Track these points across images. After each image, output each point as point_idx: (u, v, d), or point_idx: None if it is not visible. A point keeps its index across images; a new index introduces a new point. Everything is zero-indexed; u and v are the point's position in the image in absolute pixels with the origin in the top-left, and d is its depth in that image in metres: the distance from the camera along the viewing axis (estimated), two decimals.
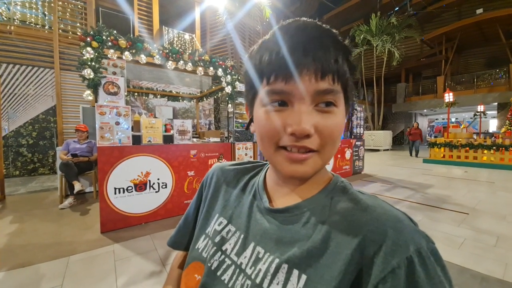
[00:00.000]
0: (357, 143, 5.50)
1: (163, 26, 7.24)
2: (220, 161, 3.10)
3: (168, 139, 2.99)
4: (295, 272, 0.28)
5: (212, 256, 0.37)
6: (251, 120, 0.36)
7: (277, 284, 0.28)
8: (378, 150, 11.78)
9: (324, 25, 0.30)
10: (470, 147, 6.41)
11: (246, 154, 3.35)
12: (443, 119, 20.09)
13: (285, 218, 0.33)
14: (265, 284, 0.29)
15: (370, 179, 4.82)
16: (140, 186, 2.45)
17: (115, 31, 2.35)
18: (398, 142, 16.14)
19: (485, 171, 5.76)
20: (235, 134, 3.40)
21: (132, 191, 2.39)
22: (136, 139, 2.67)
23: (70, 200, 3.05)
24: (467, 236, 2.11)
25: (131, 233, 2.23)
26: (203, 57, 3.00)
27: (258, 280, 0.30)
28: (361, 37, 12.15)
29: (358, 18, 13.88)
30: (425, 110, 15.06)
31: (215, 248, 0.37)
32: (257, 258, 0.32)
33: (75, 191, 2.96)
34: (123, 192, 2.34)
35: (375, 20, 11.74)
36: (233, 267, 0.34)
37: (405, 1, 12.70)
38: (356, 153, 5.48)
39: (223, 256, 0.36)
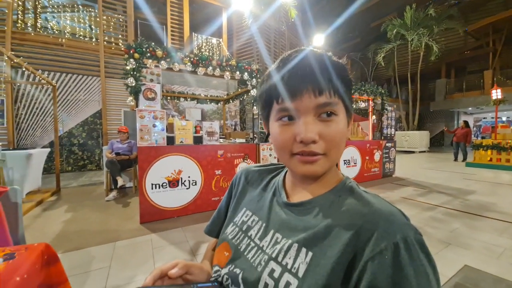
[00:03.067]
0: (387, 144, 5.24)
1: (193, 33, 7.66)
2: (246, 161, 3.23)
3: (198, 140, 3.20)
4: (304, 250, 0.36)
5: (239, 239, 0.46)
6: (269, 134, 0.45)
7: (289, 258, 0.36)
8: (413, 152, 10.99)
9: (318, 51, 0.38)
10: None
11: (270, 155, 3.43)
12: (492, 118, 17.93)
13: (299, 211, 0.41)
14: (280, 258, 0.37)
15: (401, 183, 4.57)
16: (173, 183, 2.68)
17: (153, 43, 2.61)
18: (437, 144, 14.85)
19: None
20: (259, 135, 3.50)
21: (166, 187, 2.63)
22: (170, 140, 2.91)
23: (114, 193, 3.44)
24: (508, 246, 1.94)
25: (166, 225, 2.46)
26: (230, 62, 3.16)
27: (274, 255, 0.38)
28: (394, 31, 11.39)
29: (391, 11, 13.05)
30: (470, 108, 13.62)
31: (242, 233, 0.47)
32: (275, 242, 0.40)
33: (118, 186, 3.34)
34: (159, 187, 2.59)
35: (409, 13, 10.92)
36: (256, 248, 0.43)
37: None
38: (387, 155, 5.23)
39: (248, 240, 0.45)
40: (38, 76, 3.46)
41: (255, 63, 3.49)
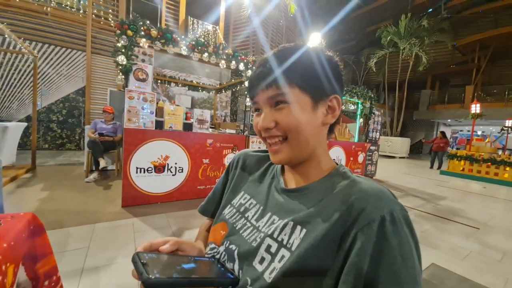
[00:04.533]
0: (371, 147, 5.43)
1: (189, 16, 7.40)
2: (234, 152, 3.22)
3: (187, 127, 3.15)
4: (298, 227, 0.38)
5: (236, 219, 0.48)
6: None
7: (285, 235, 0.39)
8: (393, 157, 11.47)
9: (288, 46, 0.42)
10: (492, 163, 6.12)
11: (259, 148, 3.45)
12: (468, 131, 19.04)
13: (296, 196, 0.43)
14: (275, 235, 0.40)
15: (381, 185, 4.77)
16: (159, 168, 2.63)
17: (148, 21, 2.50)
18: (416, 151, 15.57)
19: (505, 188, 5.51)
20: (250, 127, 3.50)
21: (151, 172, 2.58)
22: (159, 124, 2.84)
23: (95, 175, 3.32)
24: (473, 249, 2.11)
25: (148, 210, 2.42)
26: (226, 51, 3.10)
27: (270, 232, 0.40)
28: (388, 38, 11.66)
29: (387, 18, 13.29)
30: (449, 120, 14.36)
31: (239, 214, 0.49)
32: (272, 222, 0.43)
33: (100, 167, 3.22)
34: (144, 172, 2.53)
35: (404, 22, 11.20)
36: (251, 227, 0.45)
37: (439, 3, 12.00)
38: (370, 158, 5.42)
39: (245, 221, 0.47)
40: (20, 45, 3.21)
41: (251, 55, 3.45)
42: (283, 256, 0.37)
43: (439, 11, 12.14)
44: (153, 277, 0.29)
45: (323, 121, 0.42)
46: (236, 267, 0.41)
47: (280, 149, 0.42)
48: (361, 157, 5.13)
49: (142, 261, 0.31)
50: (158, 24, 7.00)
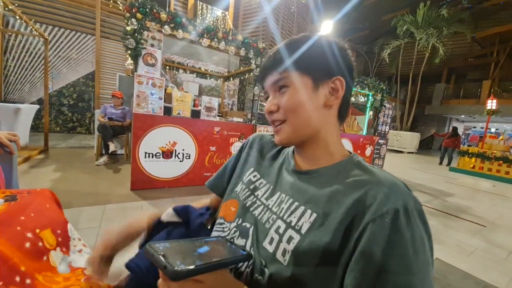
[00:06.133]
0: (380, 141, 5.35)
1: (198, 1, 7.24)
2: (241, 140, 3.23)
3: (195, 114, 3.15)
4: (308, 211, 0.38)
5: (247, 197, 0.49)
6: None
7: (294, 217, 0.39)
8: (402, 152, 11.29)
9: (291, 38, 0.44)
10: (504, 161, 5.95)
11: None
12: (481, 128, 18.46)
13: (306, 178, 0.44)
14: (285, 217, 0.40)
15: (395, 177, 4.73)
16: (167, 154, 2.67)
17: (157, 5, 2.46)
18: (425, 147, 15.26)
19: None
20: (258, 116, 3.48)
21: (160, 157, 2.62)
22: (167, 110, 2.85)
23: (104, 158, 3.40)
24: (479, 247, 2.09)
25: (156, 194, 2.48)
26: (236, 37, 3.04)
27: (281, 215, 0.41)
28: (404, 28, 11.14)
29: (404, 6, 12.67)
30: (462, 116, 13.92)
31: (249, 192, 0.50)
32: (281, 201, 0.43)
33: (110, 151, 3.29)
34: (152, 157, 2.58)
35: (422, 10, 10.65)
36: (262, 206, 0.46)
37: None
38: (377, 152, 5.35)
39: (255, 199, 0.48)
40: (31, 27, 3.22)
41: (262, 42, 3.37)
42: (291, 237, 0.37)
43: (459, 1, 11.49)
44: (179, 269, 0.28)
45: (326, 103, 0.43)
46: (249, 243, 0.42)
47: (280, 129, 0.44)
48: (368, 151, 5.07)
49: (159, 253, 0.30)
50: (167, 8, 6.89)
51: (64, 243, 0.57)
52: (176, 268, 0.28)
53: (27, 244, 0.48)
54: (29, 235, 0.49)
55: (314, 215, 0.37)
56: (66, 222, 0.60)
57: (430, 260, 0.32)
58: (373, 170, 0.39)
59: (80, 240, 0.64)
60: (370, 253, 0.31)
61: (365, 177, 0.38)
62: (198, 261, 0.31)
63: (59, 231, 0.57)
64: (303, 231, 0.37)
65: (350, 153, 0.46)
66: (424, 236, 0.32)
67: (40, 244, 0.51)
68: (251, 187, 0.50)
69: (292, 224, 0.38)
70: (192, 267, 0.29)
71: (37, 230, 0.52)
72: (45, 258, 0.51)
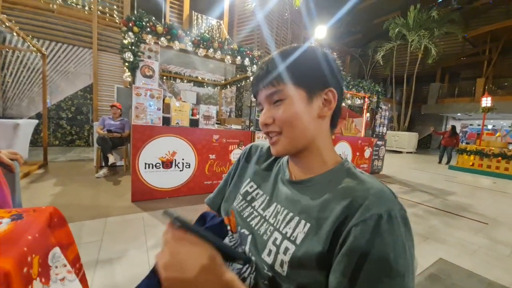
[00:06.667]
0: (378, 142, 5.37)
1: (193, 11, 7.37)
2: (240, 148, 3.24)
3: (194, 123, 3.17)
4: (302, 222, 0.40)
5: (244, 208, 0.51)
6: None
7: (289, 228, 0.41)
8: (400, 152, 11.32)
9: (282, 49, 0.45)
10: (503, 157, 5.99)
11: None
12: (478, 125, 18.58)
13: (300, 188, 0.45)
14: (281, 228, 0.42)
15: (388, 180, 4.74)
16: (167, 164, 2.67)
17: (153, 18, 2.51)
18: (424, 146, 15.32)
19: None
20: (256, 123, 3.50)
21: (159, 168, 2.63)
22: (166, 120, 2.87)
23: (104, 170, 3.39)
24: (482, 245, 2.09)
25: (157, 205, 2.48)
26: (231, 46, 3.09)
27: (277, 226, 0.43)
28: (396, 30, 11.35)
29: (395, 9, 12.93)
30: (458, 114, 14.03)
31: (245, 202, 0.51)
32: (277, 212, 0.45)
33: (109, 163, 3.29)
34: (152, 167, 2.58)
35: (413, 13, 10.87)
36: (259, 217, 0.47)
37: None
38: (376, 153, 5.37)
39: (252, 210, 0.49)
40: (28, 43, 3.26)
41: (257, 50, 3.42)
42: (287, 248, 0.39)
43: (449, 2, 11.75)
44: (180, 217, 0.32)
45: (319, 114, 0.44)
46: (247, 249, 0.44)
47: (277, 141, 0.45)
48: (367, 152, 5.09)
49: (174, 213, 0.34)
50: (162, 19, 7.00)
51: (43, 273, 0.55)
52: (179, 216, 0.32)
53: (25, 270, 0.48)
54: (29, 259, 0.49)
55: (308, 225, 0.39)
56: (51, 249, 0.57)
57: (411, 266, 0.32)
58: (361, 177, 0.40)
59: (65, 266, 0.62)
60: (351, 255, 0.32)
61: (354, 184, 0.39)
62: (201, 230, 0.34)
63: (40, 261, 0.55)
64: (298, 241, 0.38)
65: (342, 159, 0.48)
66: (406, 243, 0.33)
67: (31, 271, 0.51)
68: (248, 198, 0.52)
69: (288, 235, 0.40)
70: (192, 224, 0.33)
71: (33, 255, 0.52)
72: (29, 287, 0.50)
